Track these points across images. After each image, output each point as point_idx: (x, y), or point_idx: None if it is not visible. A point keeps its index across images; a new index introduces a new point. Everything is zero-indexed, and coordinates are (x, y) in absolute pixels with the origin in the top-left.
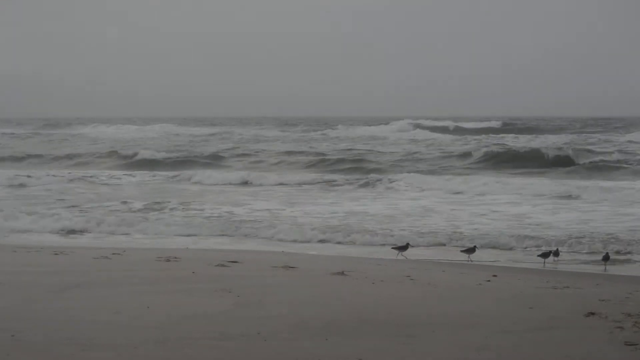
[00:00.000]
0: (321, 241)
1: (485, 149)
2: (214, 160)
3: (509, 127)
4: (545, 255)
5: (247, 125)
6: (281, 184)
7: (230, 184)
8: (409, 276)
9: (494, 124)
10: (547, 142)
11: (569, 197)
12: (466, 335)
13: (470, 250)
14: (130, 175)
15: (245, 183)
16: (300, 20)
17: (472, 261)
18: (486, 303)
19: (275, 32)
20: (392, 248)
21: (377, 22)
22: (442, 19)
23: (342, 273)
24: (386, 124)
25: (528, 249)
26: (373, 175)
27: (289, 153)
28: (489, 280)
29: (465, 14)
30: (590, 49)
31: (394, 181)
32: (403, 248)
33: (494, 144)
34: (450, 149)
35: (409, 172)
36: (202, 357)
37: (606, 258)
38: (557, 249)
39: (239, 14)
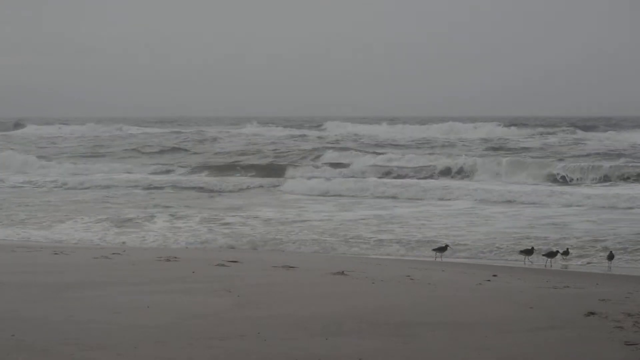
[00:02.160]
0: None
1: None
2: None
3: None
4: (551, 254)
5: (225, 124)
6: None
7: None
8: (409, 276)
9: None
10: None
11: None
12: (466, 336)
13: (442, 249)
14: None
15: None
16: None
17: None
18: (486, 303)
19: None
20: (433, 250)
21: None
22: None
23: (342, 273)
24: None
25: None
26: None
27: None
28: (489, 280)
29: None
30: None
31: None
32: (442, 249)
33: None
34: None
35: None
36: (202, 357)
37: (611, 257)
38: (567, 249)
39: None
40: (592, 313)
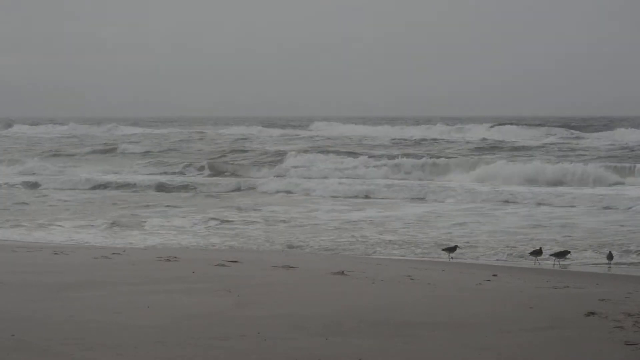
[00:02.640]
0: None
1: None
2: None
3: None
4: (560, 255)
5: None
6: None
7: None
8: (409, 276)
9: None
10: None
11: None
12: (466, 335)
13: (452, 250)
14: None
15: None
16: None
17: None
18: (486, 303)
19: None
20: (442, 250)
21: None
22: (456, 31)
23: (342, 273)
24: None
25: None
26: None
27: None
28: (489, 280)
29: (480, 24)
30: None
31: None
32: (452, 249)
33: None
34: None
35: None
36: (202, 357)
37: (610, 257)
38: (567, 250)
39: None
40: (592, 313)
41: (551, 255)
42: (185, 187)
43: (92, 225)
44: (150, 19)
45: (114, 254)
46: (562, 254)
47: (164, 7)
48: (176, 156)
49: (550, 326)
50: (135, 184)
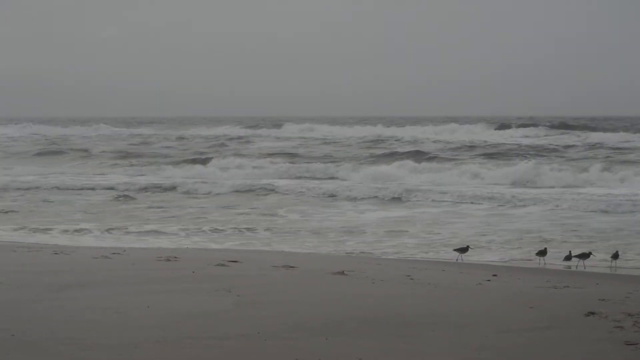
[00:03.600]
0: None
1: None
2: None
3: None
4: (583, 256)
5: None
6: None
7: None
8: (409, 276)
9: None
10: None
11: None
12: (466, 335)
13: (463, 250)
14: None
15: None
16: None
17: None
18: (486, 303)
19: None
20: (454, 250)
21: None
22: (434, 20)
23: (342, 273)
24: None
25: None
26: None
27: None
28: (489, 280)
29: (460, 15)
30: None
31: None
32: (463, 250)
33: None
34: None
35: None
36: (202, 357)
37: (615, 256)
38: (570, 252)
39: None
40: (592, 313)
41: (574, 256)
42: (169, 189)
43: (95, 224)
44: (140, 17)
45: (114, 254)
46: (584, 255)
47: (157, 10)
48: (155, 156)
49: (550, 326)
50: (113, 187)
